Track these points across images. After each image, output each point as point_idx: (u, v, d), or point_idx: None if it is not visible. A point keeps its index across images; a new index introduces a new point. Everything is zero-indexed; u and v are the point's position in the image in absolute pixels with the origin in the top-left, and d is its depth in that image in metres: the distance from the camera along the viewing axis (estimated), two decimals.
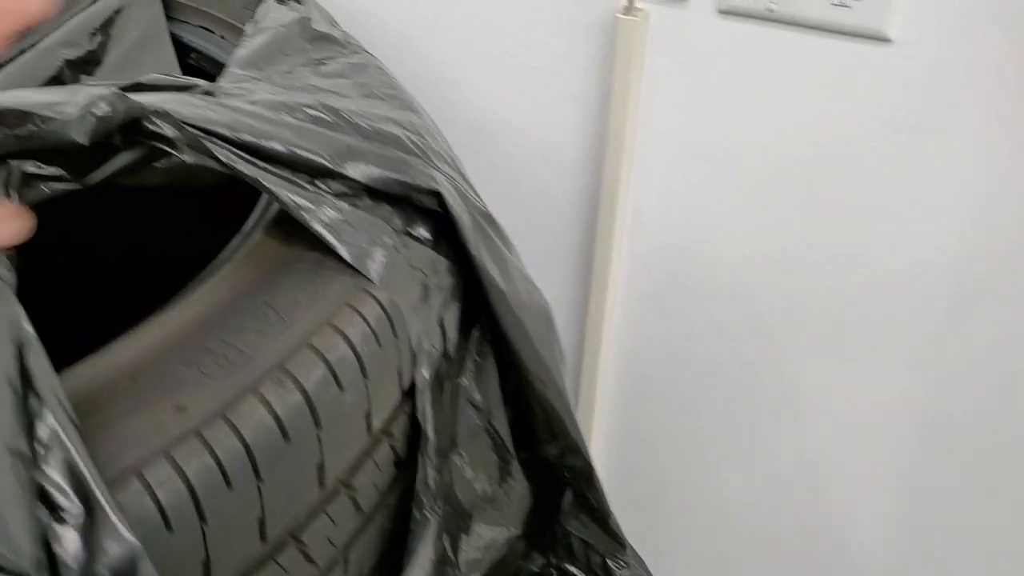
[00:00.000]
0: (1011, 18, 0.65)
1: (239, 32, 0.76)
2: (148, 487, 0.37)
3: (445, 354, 0.52)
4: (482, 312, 0.55)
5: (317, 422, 0.43)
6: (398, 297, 0.48)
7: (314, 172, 0.48)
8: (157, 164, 0.44)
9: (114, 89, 0.42)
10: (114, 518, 0.34)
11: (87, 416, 0.37)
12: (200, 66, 0.79)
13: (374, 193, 0.50)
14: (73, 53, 0.75)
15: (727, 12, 0.75)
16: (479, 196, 0.58)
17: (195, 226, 0.71)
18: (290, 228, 0.49)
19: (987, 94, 0.68)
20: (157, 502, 0.37)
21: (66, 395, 0.36)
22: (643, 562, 0.72)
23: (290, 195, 0.46)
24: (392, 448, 0.50)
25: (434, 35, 0.90)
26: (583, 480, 0.64)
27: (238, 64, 0.58)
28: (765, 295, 0.86)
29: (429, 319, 0.50)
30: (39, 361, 0.36)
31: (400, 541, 0.53)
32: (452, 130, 0.68)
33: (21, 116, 0.40)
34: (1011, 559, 0.85)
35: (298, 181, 0.47)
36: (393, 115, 0.55)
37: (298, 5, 0.69)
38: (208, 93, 0.50)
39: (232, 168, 0.45)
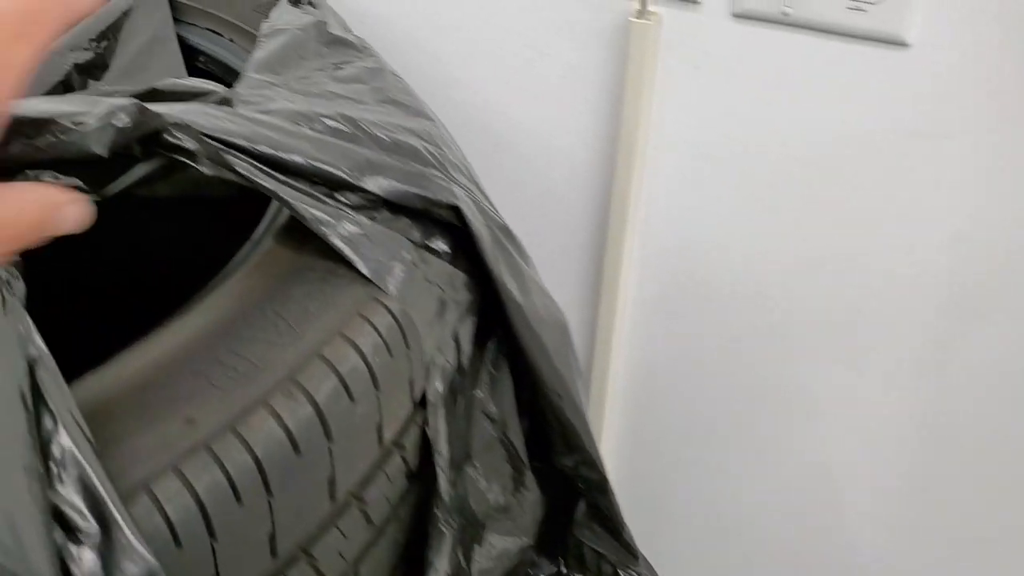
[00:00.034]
0: None
1: (248, 35, 0.75)
2: (157, 503, 0.36)
3: (459, 368, 0.51)
4: (498, 324, 0.54)
5: (328, 435, 0.43)
6: (412, 310, 0.47)
7: (333, 185, 0.47)
8: (174, 175, 0.44)
9: (133, 100, 0.41)
10: (131, 537, 0.33)
11: (95, 430, 0.36)
12: (208, 69, 0.79)
13: (392, 206, 0.49)
14: (81, 57, 0.74)
15: (741, 15, 0.74)
16: (495, 208, 0.57)
17: (202, 231, 0.70)
18: (300, 236, 0.48)
19: (1006, 100, 0.68)
20: (166, 518, 0.36)
21: (79, 412, 0.35)
22: (656, 573, 0.71)
23: (310, 209, 0.46)
24: (403, 460, 0.50)
25: (441, 36, 0.89)
26: (598, 491, 0.63)
27: (255, 68, 0.57)
28: (777, 299, 0.85)
29: (444, 333, 0.50)
30: (52, 378, 0.35)
31: (411, 553, 0.52)
32: (461, 132, 0.68)
33: (40, 126, 0.40)
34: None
35: (317, 194, 0.46)
36: (409, 124, 0.55)
37: (312, 8, 0.68)
38: (225, 100, 0.49)
39: (252, 181, 0.44)
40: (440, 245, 0.51)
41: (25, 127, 0.40)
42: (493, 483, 0.58)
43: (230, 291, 0.46)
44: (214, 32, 0.79)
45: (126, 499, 0.35)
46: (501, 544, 0.60)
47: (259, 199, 0.48)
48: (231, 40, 0.77)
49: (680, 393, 0.97)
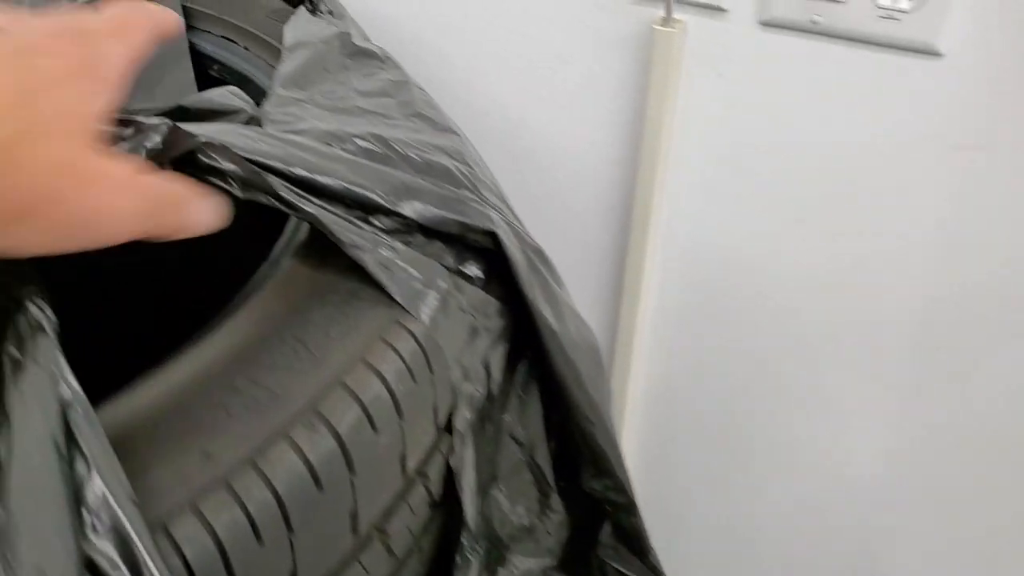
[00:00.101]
0: None
1: (263, 43, 0.74)
2: (175, 544, 0.35)
3: (489, 395, 0.50)
4: (529, 348, 0.53)
5: (351, 467, 0.41)
6: (441, 337, 0.46)
7: (368, 209, 0.46)
8: None
9: (165, 120, 0.40)
10: None
11: None
12: (223, 78, 0.77)
13: (426, 230, 0.48)
14: None
15: (768, 24, 0.72)
16: (525, 228, 0.55)
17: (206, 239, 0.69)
18: (319, 256, 0.47)
19: None
20: (184, 560, 0.35)
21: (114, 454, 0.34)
22: None
23: (348, 234, 0.44)
24: (427, 489, 0.48)
25: (463, 45, 0.88)
26: (625, 513, 0.62)
27: (282, 84, 0.56)
28: (801, 308, 0.84)
29: (474, 361, 0.48)
30: (85, 418, 0.34)
31: None
32: (482, 141, 0.66)
33: None
34: None
35: (351, 219, 0.45)
36: (438, 141, 0.53)
37: (333, 18, 0.67)
38: (254, 119, 0.48)
39: (291, 205, 0.43)
40: (473, 270, 0.50)
41: None
42: (518, 505, 0.57)
43: (248, 315, 0.44)
44: (229, 40, 0.77)
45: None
46: (524, 565, 0.59)
47: (264, 212, 0.47)
48: (246, 48, 0.76)
49: (701, 406, 0.95)
